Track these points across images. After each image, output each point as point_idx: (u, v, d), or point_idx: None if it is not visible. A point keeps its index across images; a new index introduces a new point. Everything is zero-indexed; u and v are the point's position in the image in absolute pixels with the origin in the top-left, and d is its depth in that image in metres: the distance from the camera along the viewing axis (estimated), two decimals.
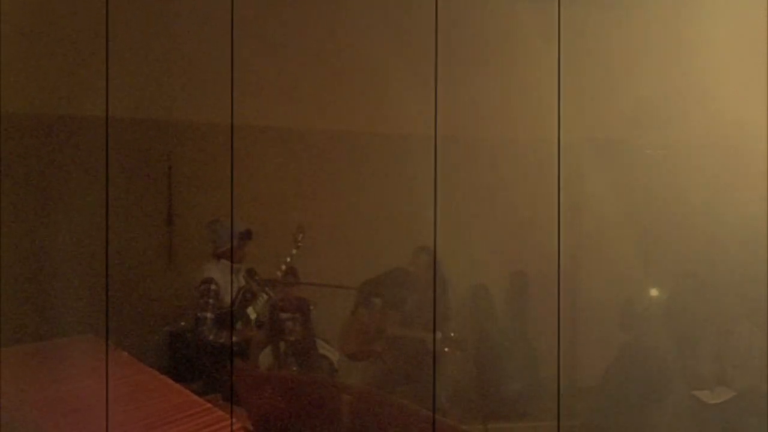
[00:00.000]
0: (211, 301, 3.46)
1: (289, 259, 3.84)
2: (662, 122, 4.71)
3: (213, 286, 3.47)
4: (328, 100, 4.73)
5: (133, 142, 4.37)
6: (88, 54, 4.07)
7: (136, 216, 4.39)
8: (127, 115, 4.30)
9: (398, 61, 4.80)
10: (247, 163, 4.64)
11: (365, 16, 4.72)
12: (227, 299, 3.56)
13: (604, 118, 4.76)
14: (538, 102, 4.64)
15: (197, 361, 3.52)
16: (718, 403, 3.46)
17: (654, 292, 4.24)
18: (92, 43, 4.07)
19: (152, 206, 4.44)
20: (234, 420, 2.04)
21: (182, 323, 4.19)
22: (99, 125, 4.13)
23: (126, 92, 4.25)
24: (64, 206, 3.93)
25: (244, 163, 4.63)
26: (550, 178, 4.75)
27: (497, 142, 4.86)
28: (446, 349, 3.57)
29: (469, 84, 4.78)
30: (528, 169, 4.75)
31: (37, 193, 4.02)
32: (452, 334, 3.59)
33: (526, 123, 4.71)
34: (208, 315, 3.45)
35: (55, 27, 4.09)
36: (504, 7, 4.65)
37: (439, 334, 3.59)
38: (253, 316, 3.63)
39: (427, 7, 4.74)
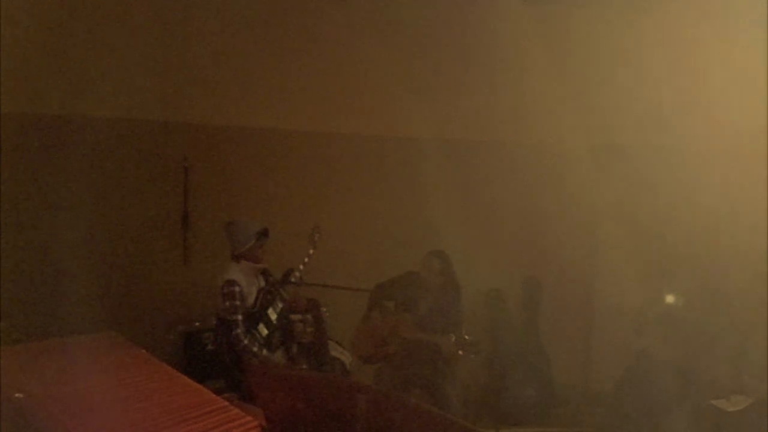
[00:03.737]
0: (238, 303, 3.43)
1: (307, 259, 3.84)
2: (673, 126, 4.69)
3: (237, 288, 3.45)
4: (343, 103, 4.76)
5: (149, 144, 4.43)
6: (92, 54, 4.13)
7: (151, 217, 4.44)
8: (142, 116, 4.36)
9: (413, 65, 4.82)
10: (263, 164, 4.67)
11: (380, 21, 4.75)
12: (249, 300, 3.55)
13: (619, 122, 4.75)
14: (552, 107, 4.66)
15: (212, 361, 3.53)
16: (735, 411, 3.42)
17: (669, 298, 4.21)
18: (99, 43, 4.14)
19: (168, 207, 4.48)
20: (250, 418, 2.05)
21: (197, 324, 4.21)
22: (107, 125, 4.21)
23: (142, 94, 4.31)
24: (72, 207, 3.98)
25: (260, 165, 4.67)
26: (565, 182, 4.76)
27: (512, 147, 4.86)
28: (460, 352, 3.55)
29: (483, 88, 4.80)
30: (542, 173, 4.75)
31: (44, 194, 4.07)
32: (466, 337, 3.56)
33: (541, 128, 4.71)
34: (239, 317, 3.43)
35: (61, 26, 4.14)
36: (515, 12, 4.66)
37: (452, 337, 3.57)
38: (273, 316, 3.62)
39: (444, 15, 4.78)
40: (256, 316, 3.56)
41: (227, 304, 3.43)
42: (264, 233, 3.58)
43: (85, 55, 4.15)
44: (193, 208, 4.50)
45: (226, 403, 2.17)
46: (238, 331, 3.40)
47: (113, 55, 4.16)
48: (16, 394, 2.06)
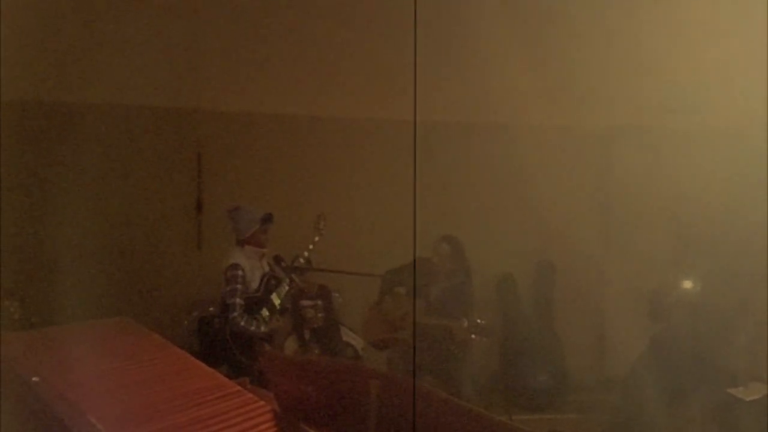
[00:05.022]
0: (239, 286, 3.48)
1: (311, 246, 3.86)
2: (692, 108, 4.60)
3: (240, 272, 3.49)
4: (351, 88, 4.73)
5: (162, 130, 4.44)
6: (104, 41, 4.12)
7: (165, 203, 4.46)
8: (156, 103, 4.37)
9: (422, 48, 4.76)
10: (276, 150, 4.67)
11: (384, 5, 4.69)
12: (252, 285, 3.58)
13: (633, 104, 4.67)
14: (565, 90, 4.59)
15: (225, 346, 3.57)
16: (752, 400, 3.37)
17: (685, 282, 4.16)
18: (110, 30, 4.13)
19: (182, 193, 4.50)
20: (263, 402, 2.06)
21: (211, 309, 4.25)
22: (121, 112, 4.21)
23: (156, 80, 4.31)
24: (88, 193, 4.00)
25: (273, 150, 4.66)
26: (578, 166, 4.71)
27: (524, 130, 4.81)
28: (473, 336, 3.55)
29: (494, 71, 4.73)
30: (555, 156, 4.70)
31: (60, 180, 4.10)
32: (479, 321, 3.57)
33: (554, 110, 4.65)
34: (238, 301, 3.47)
35: (71, 11, 4.13)
36: None
37: (465, 322, 3.57)
38: (277, 302, 3.65)
39: None
40: (259, 300, 3.59)
41: (229, 287, 3.48)
42: (268, 219, 3.60)
43: (97, 42, 4.16)
44: (206, 193, 4.52)
45: (240, 388, 2.18)
46: (235, 314, 3.44)
47: (125, 41, 4.16)
48: (33, 378, 2.09)
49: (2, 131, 3.69)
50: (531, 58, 4.65)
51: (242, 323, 3.47)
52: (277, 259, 3.78)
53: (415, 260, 3.88)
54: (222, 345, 3.63)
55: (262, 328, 3.54)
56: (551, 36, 4.46)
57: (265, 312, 3.60)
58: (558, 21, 4.52)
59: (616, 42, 4.57)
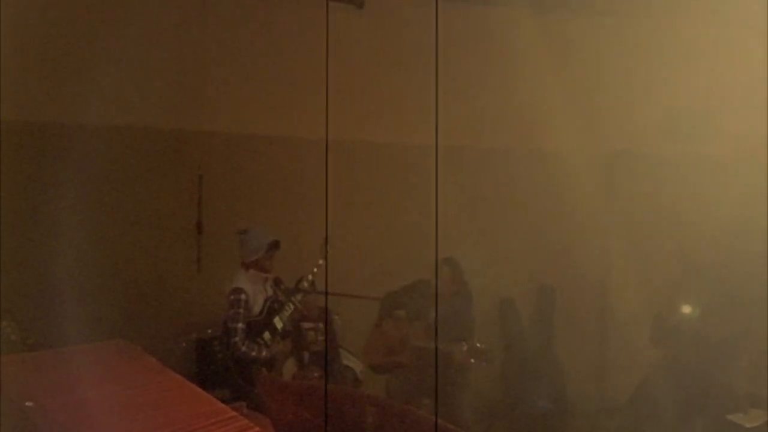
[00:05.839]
0: (241, 311, 3.49)
1: (316, 270, 3.85)
2: (694, 134, 4.63)
3: (243, 296, 3.50)
4: (354, 111, 4.76)
5: (164, 151, 4.46)
6: (107, 62, 4.16)
7: (165, 224, 4.46)
8: (157, 124, 4.40)
9: (425, 73, 4.81)
10: (277, 172, 4.69)
11: (392, 31, 4.75)
12: (255, 309, 3.59)
13: (635, 130, 4.70)
14: (564, 114, 4.62)
15: (223, 369, 3.55)
16: (752, 427, 3.33)
17: (686, 308, 4.14)
18: (114, 51, 4.17)
19: (182, 215, 4.50)
20: (258, 429, 2.04)
21: (209, 331, 4.22)
22: (123, 133, 4.24)
23: (158, 101, 4.35)
24: (87, 214, 4.00)
25: (273, 173, 4.68)
26: (579, 190, 4.71)
27: (525, 154, 4.83)
28: (472, 360, 3.53)
29: (494, 95, 4.77)
30: (556, 180, 4.71)
31: (58, 201, 4.11)
32: (479, 345, 3.55)
33: (555, 135, 4.68)
34: (240, 326, 3.47)
35: (74, 32, 4.18)
36: (526, 21, 4.64)
37: (464, 345, 3.56)
38: (279, 325, 3.65)
39: (454, 24, 4.76)
40: (261, 324, 3.59)
41: (231, 312, 3.48)
42: (274, 245, 3.62)
43: (97, 62, 4.20)
44: (207, 215, 4.52)
45: (235, 413, 2.16)
46: (236, 339, 3.44)
47: (126, 62, 4.20)
48: (27, 403, 2.07)
49: (2, 151, 3.72)
50: (530, 82, 4.70)
51: (243, 348, 3.46)
52: (277, 282, 3.78)
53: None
54: (221, 368, 3.62)
55: (264, 353, 3.53)
56: (550, 62, 4.51)
57: (267, 335, 3.59)
58: (554, 50, 4.57)
59: (616, 68, 4.62)
